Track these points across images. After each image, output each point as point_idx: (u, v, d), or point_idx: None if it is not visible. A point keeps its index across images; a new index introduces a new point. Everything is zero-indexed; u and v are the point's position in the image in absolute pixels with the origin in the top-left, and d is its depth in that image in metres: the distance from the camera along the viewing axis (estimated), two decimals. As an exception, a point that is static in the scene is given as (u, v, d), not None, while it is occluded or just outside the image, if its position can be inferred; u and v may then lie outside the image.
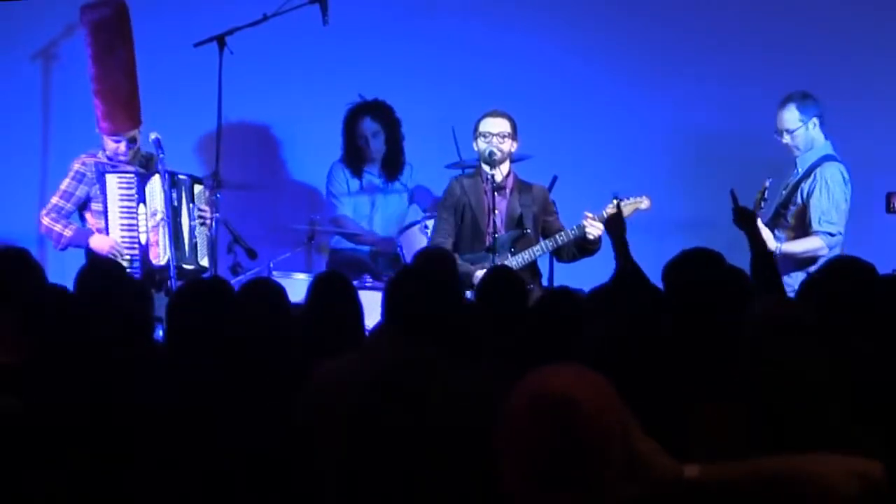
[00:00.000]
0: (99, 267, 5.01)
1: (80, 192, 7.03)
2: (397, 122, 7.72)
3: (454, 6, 8.26)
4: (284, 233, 7.57)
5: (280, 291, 4.63)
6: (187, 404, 3.80)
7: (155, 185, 6.85)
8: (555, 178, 7.06)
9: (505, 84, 7.93)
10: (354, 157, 7.73)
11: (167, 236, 6.79)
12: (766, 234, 6.49)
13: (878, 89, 7.82)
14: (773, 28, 7.97)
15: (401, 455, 3.49)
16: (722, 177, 7.95)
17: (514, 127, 6.99)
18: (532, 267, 6.91)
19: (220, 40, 7.24)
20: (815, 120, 6.71)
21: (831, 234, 6.59)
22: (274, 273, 7.20)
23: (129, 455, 3.63)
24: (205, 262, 7.02)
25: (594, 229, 6.71)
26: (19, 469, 2.98)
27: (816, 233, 6.59)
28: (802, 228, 6.65)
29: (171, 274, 6.74)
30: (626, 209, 6.68)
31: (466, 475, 3.50)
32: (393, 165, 7.71)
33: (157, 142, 6.85)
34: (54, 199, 7.04)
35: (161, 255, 6.84)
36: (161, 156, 6.84)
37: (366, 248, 7.69)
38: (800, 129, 6.70)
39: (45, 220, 7.02)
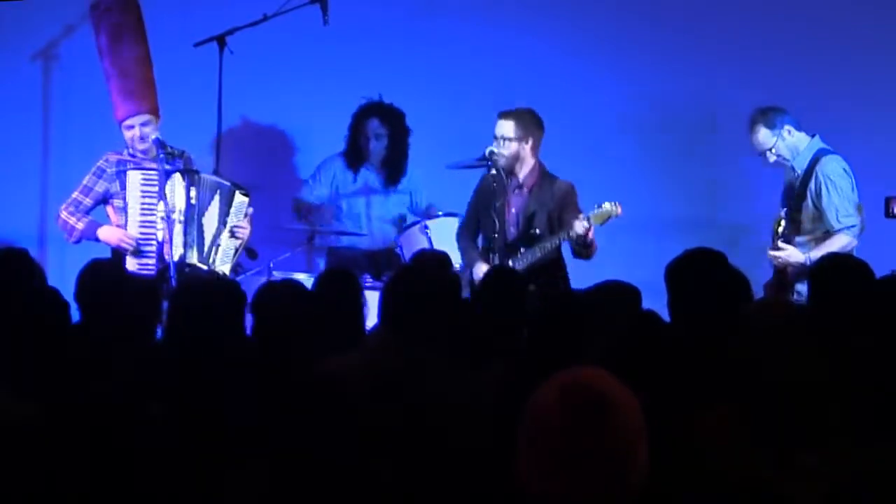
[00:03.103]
0: (100, 266, 5.00)
1: (99, 187, 7.00)
2: (406, 130, 7.72)
3: (454, 6, 8.26)
4: (284, 233, 7.57)
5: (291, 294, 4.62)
6: (188, 403, 3.80)
7: (175, 183, 6.82)
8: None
9: (505, 84, 7.93)
10: (355, 154, 7.74)
11: (181, 234, 6.77)
12: (793, 251, 6.50)
13: (876, 93, 7.81)
14: (773, 27, 7.97)
15: (398, 455, 3.49)
16: (721, 175, 7.99)
17: (522, 127, 6.88)
18: (555, 261, 6.82)
19: (220, 40, 7.24)
20: (787, 127, 6.73)
21: (853, 226, 6.60)
22: (274, 273, 7.21)
23: (129, 455, 3.64)
24: (224, 269, 6.92)
25: (578, 227, 6.61)
26: (28, 473, 2.99)
27: (839, 231, 6.60)
28: (823, 230, 6.66)
29: (171, 274, 6.68)
30: (598, 218, 6.59)
31: (465, 474, 3.51)
32: (392, 170, 7.71)
33: (158, 142, 6.84)
34: (74, 194, 7.02)
35: (174, 252, 6.78)
36: (161, 155, 6.82)
37: (364, 247, 7.70)
38: (776, 142, 6.72)
39: (63, 214, 7.01)
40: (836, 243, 6.55)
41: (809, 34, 7.93)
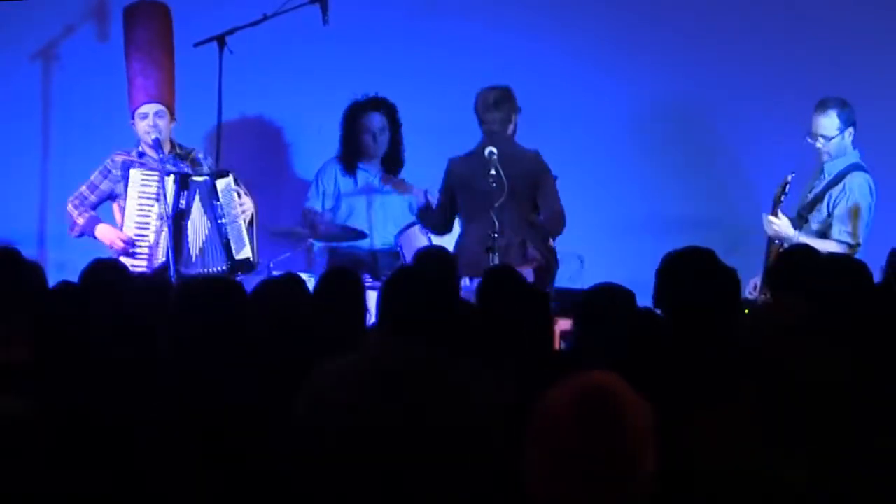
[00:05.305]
0: (102, 266, 4.99)
1: (105, 186, 6.97)
2: (400, 123, 7.73)
3: (454, 6, 8.26)
4: (284, 233, 7.57)
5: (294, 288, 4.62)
6: (188, 403, 3.80)
7: (168, 187, 6.76)
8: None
9: (505, 85, 7.92)
10: (353, 152, 7.69)
11: (168, 239, 6.70)
12: (784, 222, 6.51)
13: (878, 94, 7.79)
14: (774, 28, 7.98)
15: (398, 455, 3.50)
16: (720, 174, 8.00)
17: None
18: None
19: (220, 40, 7.24)
20: (851, 129, 6.72)
21: (849, 245, 6.60)
22: (274, 273, 7.20)
23: (130, 455, 3.64)
24: (244, 254, 6.89)
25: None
26: (23, 471, 2.99)
27: (833, 240, 6.61)
28: (827, 236, 6.69)
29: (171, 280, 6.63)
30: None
31: (464, 474, 3.51)
32: (394, 163, 7.71)
33: (157, 142, 6.83)
34: (82, 188, 6.99)
35: (160, 256, 6.77)
36: (161, 155, 6.81)
37: (365, 247, 7.69)
38: (836, 136, 6.70)
39: (69, 206, 6.99)
40: (825, 246, 6.57)
41: (811, 34, 7.93)
